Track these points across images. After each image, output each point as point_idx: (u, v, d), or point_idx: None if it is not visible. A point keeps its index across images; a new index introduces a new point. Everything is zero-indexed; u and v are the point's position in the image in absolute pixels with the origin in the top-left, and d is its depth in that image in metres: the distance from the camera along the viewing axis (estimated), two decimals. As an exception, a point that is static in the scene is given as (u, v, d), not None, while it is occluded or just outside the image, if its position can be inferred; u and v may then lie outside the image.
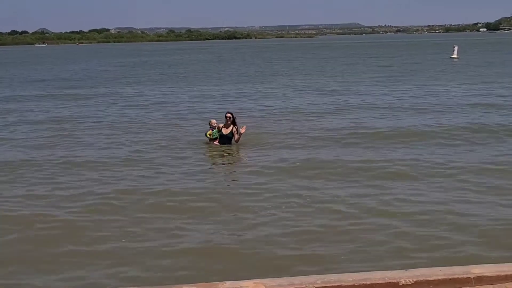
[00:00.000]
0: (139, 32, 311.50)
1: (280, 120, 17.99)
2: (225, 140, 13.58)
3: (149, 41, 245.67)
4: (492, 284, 4.33)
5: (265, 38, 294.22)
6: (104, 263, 7.03)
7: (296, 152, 13.02)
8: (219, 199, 9.51)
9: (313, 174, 10.94)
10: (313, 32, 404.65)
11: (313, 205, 8.99)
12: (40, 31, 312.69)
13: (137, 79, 38.37)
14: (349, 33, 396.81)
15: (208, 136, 13.81)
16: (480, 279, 4.34)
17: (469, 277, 4.34)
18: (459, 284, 4.32)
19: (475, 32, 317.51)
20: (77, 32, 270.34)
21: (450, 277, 4.34)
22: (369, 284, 4.26)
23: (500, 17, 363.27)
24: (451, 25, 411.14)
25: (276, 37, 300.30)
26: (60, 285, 6.54)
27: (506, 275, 4.37)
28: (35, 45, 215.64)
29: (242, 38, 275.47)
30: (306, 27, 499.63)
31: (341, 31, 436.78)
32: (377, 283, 4.27)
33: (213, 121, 14.02)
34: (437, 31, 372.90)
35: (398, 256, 7.01)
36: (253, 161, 12.35)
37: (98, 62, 67.96)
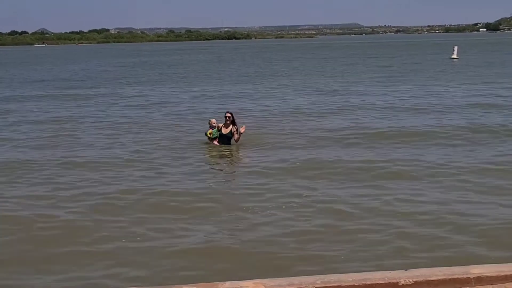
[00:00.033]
0: (139, 32, 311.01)
1: (280, 120, 17.98)
2: (225, 139, 13.60)
3: (149, 41, 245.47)
4: (492, 284, 4.34)
5: (265, 38, 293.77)
6: (104, 263, 7.04)
7: (296, 152, 13.03)
8: (219, 199, 9.51)
9: (314, 174, 10.94)
10: (313, 32, 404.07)
11: (314, 205, 9.00)
12: (40, 31, 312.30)
13: (137, 79, 38.37)
14: (349, 33, 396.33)
15: (209, 135, 13.82)
16: (480, 279, 4.34)
17: (469, 277, 4.35)
18: (459, 284, 4.32)
19: (475, 32, 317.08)
20: (76, 33, 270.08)
21: (450, 277, 4.35)
22: (369, 284, 4.27)
23: (500, 17, 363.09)
24: (451, 25, 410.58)
25: (276, 37, 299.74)
26: (60, 285, 6.54)
27: (506, 275, 4.37)
28: (35, 45, 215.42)
29: (242, 38, 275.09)
30: (306, 27, 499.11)
31: (341, 31, 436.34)
32: (377, 283, 4.28)
33: (213, 120, 14.04)
34: (437, 31, 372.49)
35: (398, 256, 7.01)
36: (253, 161, 12.36)
37: (98, 62, 67.95)
